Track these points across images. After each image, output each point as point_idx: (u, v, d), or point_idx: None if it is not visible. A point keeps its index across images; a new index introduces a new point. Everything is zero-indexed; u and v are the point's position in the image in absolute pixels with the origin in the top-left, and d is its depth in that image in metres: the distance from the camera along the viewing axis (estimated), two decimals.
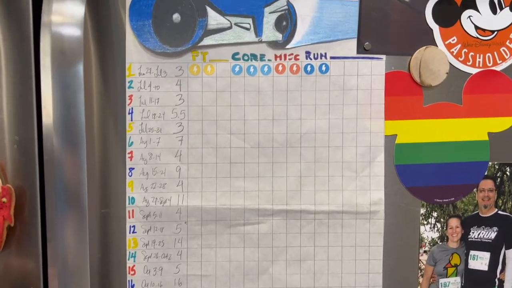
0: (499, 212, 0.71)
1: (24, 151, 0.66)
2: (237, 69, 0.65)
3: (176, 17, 0.64)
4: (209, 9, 0.64)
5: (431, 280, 0.71)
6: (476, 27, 0.68)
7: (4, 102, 0.66)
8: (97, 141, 0.66)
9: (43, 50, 0.57)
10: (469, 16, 0.67)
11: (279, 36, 0.65)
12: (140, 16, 0.63)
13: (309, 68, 0.66)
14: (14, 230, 0.66)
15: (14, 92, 0.65)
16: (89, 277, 0.60)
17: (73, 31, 0.58)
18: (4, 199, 0.65)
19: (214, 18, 0.64)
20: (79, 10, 0.58)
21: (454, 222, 0.71)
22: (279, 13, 0.64)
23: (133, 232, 0.67)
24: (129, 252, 0.67)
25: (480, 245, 0.71)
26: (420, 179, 0.69)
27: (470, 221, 0.71)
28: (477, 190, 0.70)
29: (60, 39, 0.58)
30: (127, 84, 0.65)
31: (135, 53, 0.64)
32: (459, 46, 0.68)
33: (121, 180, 0.67)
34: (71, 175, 0.59)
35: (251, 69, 0.65)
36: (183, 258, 0.67)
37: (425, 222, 0.70)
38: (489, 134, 0.69)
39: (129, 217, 0.66)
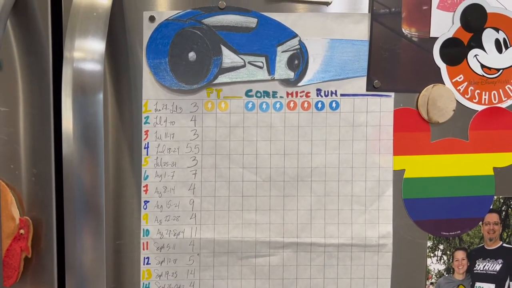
0: (504, 245, 0.73)
1: (41, 183, 0.67)
2: (250, 105, 0.67)
3: (191, 55, 0.65)
4: (223, 48, 0.66)
5: None
6: (482, 66, 0.70)
7: (22, 135, 0.67)
8: (112, 174, 0.68)
9: (65, 85, 0.59)
10: (475, 55, 0.69)
11: (291, 74, 0.67)
12: (157, 54, 0.65)
13: (319, 105, 0.68)
14: (30, 261, 0.67)
15: (32, 125, 0.67)
16: None
17: (94, 67, 0.59)
18: (22, 231, 0.66)
19: (228, 57, 0.66)
20: (99, 47, 0.60)
21: (460, 255, 0.72)
22: (291, 52, 0.66)
23: (147, 264, 0.68)
24: (143, 283, 0.68)
25: (486, 277, 0.73)
26: (427, 213, 0.71)
27: (475, 254, 0.72)
28: (482, 224, 0.72)
29: (81, 74, 0.59)
30: (143, 120, 0.67)
31: (151, 90, 0.66)
32: (465, 84, 0.69)
33: (136, 212, 0.68)
34: (90, 207, 0.60)
35: (264, 106, 0.67)
36: None
37: (432, 255, 0.72)
38: (495, 169, 0.71)
39: (143, 249, 0.68)
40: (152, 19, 0.65)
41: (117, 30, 0.65)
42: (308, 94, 0.67)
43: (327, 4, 0.66)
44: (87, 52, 0.59)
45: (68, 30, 0.59)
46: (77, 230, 0.60)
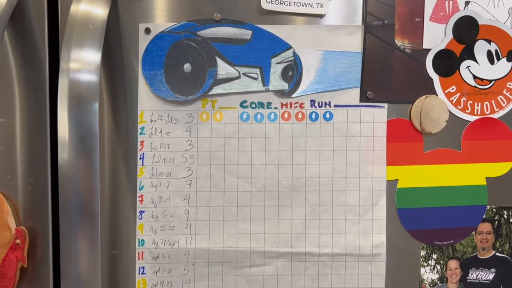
0: (497, 254, 0.73)
1: (37, 193, 0.68)
2: (244, 116, 0.68)
3: (187, 67, 0.66)
4: (218, 60, 0.66)
5: None
6: (475, 77, 0.70)
7: (18, 145, 0.68)
8: (107, 184, 0.68)
9: (61, 95, 0.59)
10: (467, 66, 0.70)
11: (285, 86, 0.68)
12: (152, 65, 0.66)
13: (313, 116, 0.68)
14: (26, 271, 0.68)
15: (29, 135, 0.68)
16: None
17: (90, 77, 0.60)
18: (18, 241, 0.67)
19: (223, 68, 0.66)
20: (95, 58, 0.60)
21: (453, 264, 0.73)
22: (285, 64, 0.67)
23: (143, 273, 0.68)
24: None
25: (479, 286, 0.73)
26: (421, 222, 0.71)
27: (468, 263, 0.73)
28: (475, 233, 0.73)
29: (77, 84, 0.59)
30: (139, 130, 0.67)
31: (147, 101, 0.66)
32: (458, 94, 0.70)
33: (131, 222, 0.69)
34: (85, 216, 0.61)
35: (258, 116, 0.68)
36: None
37: (425, 264, 0.72)
38: (487, 179, 0.72)
39: (139, 259, 0.68)
40: (147, 31, 0.66)
41: (113, 41, 0.66)
42: (302, 105, 0.68)
43: (321, 16, 0.67)
44: (83, 63, 0.60)
45: (64, 41, 0.60)
46: (72, 239, 0.60)
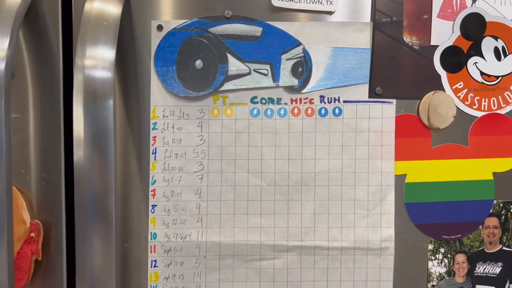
0: (504, 248, 0.74)
1: (51, 188, 0.69)
2: (255, 112, 0.69)
3: (198, 63, 0.67)
4: (229, 56, 0.67)
5: None
6: (482, 73, 0.71)
7: (32, 141, 0.69)
8: (120, 179, 0.70)
9: (76, 91, 0.60)
10: (475, 63, 0.71)
11: (295, 82, 0.69)
12: (165, 62, 0.67)
13: (323, 111, 0.70)
14: (40, 263, 0.69)
15: (43, 131, 0.69)
16: None
17: (104, 74, 0.61)
18: (32, 234, 0.68)
19: (234, 65, 0.68)
20: (109, 55, 0.61)
21: (460, 258, 0.74)
22: (295, 60, 0.68)
23: (155, 266, 0.70)
24: (151, 285, 0.70)
25: (486, 280, 0.74)
26: (429, 217, 0.73)
27: (476, 257, 0.74)
28: (482, 227, 0.74)
29: (92, 81, 0.60)
30: (151, 126, 0.68)
31: (159, 97, 0.68)
32: (465, 90, 0.71)
33: (144, 216, 0.70)
34: (100, 211, 0.62)
35: (268, 112, 0.69)
36: None
37: (433, 258, 0.73)
38: (494, 174, 0.73)
39: (151, 252, 0.70)
40: (160, 28, 0.67)
41: (126, 38, 0.67)
42: (312, 101, 0.69)
43: (330, 13, 0.68)
44: (97, 59, 0.61)
45: (79, 38, 0.61)
46: (87, 234, 0.62)
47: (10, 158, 0.63)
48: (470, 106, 0.72)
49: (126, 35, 0.67)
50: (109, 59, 0.61)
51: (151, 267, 0.70)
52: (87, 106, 0.59)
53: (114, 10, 0.63)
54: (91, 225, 0.62)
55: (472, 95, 0.72)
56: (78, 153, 0.60)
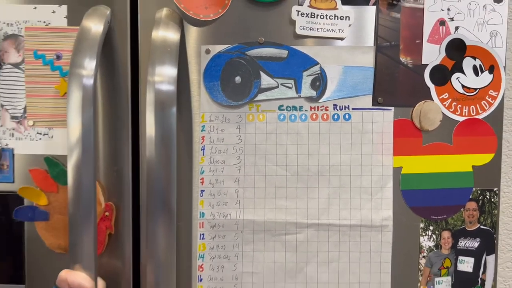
0: (481, 226, 0.85)
1: (120, 177, 0.83)
2: (281, 117, 0.84)
3: (237, 79, 0.82)
4: (262, 73, 0.82)
5: (428, 278, 0.85)
6: (463, 86, 0.83)
7: (102, 142, 0.83)
8: (177, 170, 0.80)
9: (148, 102, 0.71)
10: (457, 78, 0.82)
11: (313, 93, 0.84)
12: (211, 78, 0.82)
13: (336, 117, 0.84)
14: (113, 236, 0.84)
15: (114, 135, 0.83)
16: (175, 272, 0.75)
17: (169, 88, 0.72)
18: (107, 213, 0.84)
19: (265, 80, 0.82)
20: (173, 72, 0.73)
21: (446, 234, 0.85)
22: (314, 76, 0.83)
23: (202, 239, 0.84)
24: (199, 254, 0.85)
25: (467, 252, 0.85)
26: (420, 201, 0.84)
27: (458, 234, 0.85)
28: (464, 210, 0.84)
29: (160, 94, 0.71)
30: (201, 128, 0.83)
31: (207, 105, 0.83)
32: (450, 100, 0.83)
33: (194, 199, 0.84)
34: (165, 200, 0.73)
35: (292, 117, 0.84)
36: (239, 259, 0.84)
37: (424, 234, 0.85)
38: (473, 167, 0.84)
39: (200, 227, 0.85)
40: (207, 51, 0.81)
41: (182, 59, 0.80)
42: (327, 108, 0.83)
43: (342, 39, 0.82)
44: (164, 76, 0.72)
45: (150, 60, 0.73)
46: (153, 214, 0.73)
47: (95, 156, 0.75)
48: (453, 112, 0.83)
49: (182, 57, 0.80)
50: (172, 76, 0.73)
51: (200, 239, 0.84)
52: (157, 114, 0.72)
53: (174, 37, 0.76)
54: (156, 207, 0.73)
55: (455, 103, 0.82)
56: (149, 151, 0.71)
